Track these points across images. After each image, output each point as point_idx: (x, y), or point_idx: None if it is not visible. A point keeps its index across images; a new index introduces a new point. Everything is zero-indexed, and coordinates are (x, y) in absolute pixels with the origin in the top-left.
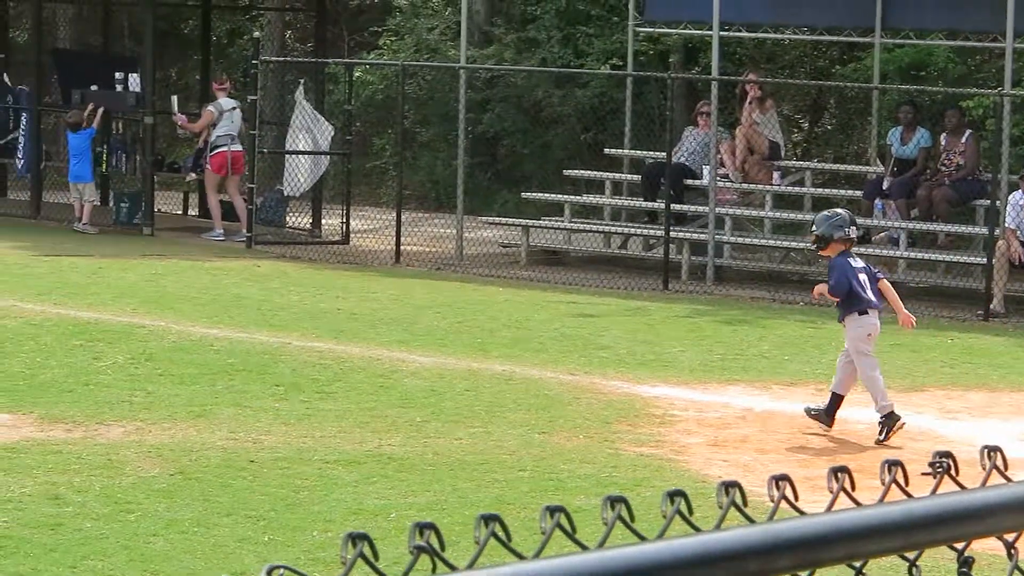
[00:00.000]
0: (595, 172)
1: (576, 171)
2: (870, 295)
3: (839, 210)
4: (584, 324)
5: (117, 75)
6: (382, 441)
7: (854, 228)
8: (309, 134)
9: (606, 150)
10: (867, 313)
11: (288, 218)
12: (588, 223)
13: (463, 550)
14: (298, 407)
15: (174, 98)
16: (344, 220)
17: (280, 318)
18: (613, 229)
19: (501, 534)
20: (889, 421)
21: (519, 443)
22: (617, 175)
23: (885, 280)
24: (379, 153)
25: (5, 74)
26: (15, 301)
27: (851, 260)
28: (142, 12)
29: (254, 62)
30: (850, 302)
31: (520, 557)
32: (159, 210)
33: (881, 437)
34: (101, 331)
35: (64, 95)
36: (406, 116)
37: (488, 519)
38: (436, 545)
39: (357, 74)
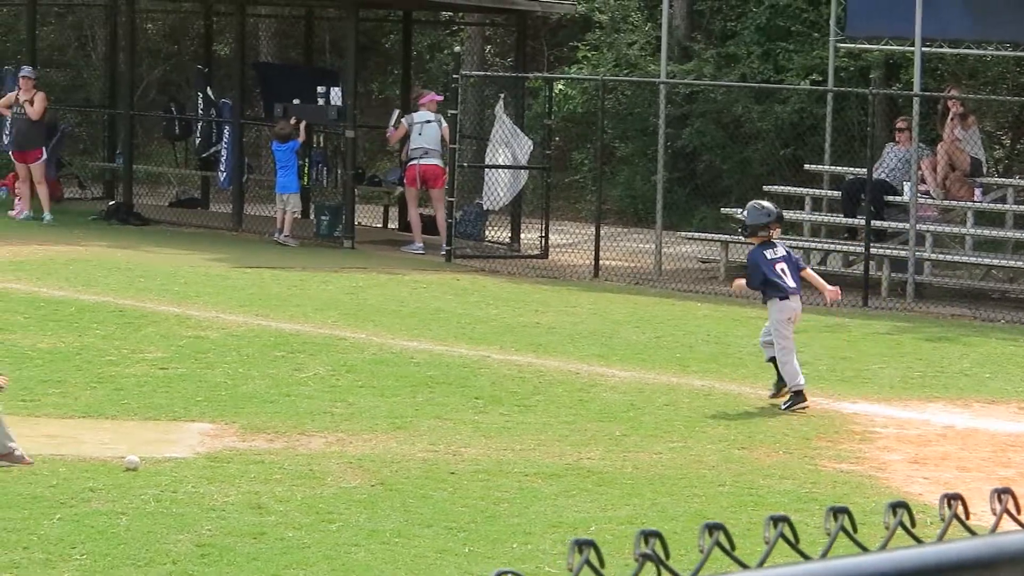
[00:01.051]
0: (795, 188)
1: (775, 186)
2: (788, 281)
3: (767, 204)
4: None
5: (319, 89)
6: (581, 454)
7: (777, 223)
8: (508, 148)
9: (806, 166)
10: (787, 298)
11: (487, 232)
12: (787, 239)
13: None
14: (497, 420)
15: (396, 112)
16: (543, 234)
17: (479, 331)
18: (812, 245)
19: (725, 543)
20: (798, 398)
21: (718, 458)
22: (817, 191)
23: (808, 268)
24: (578, 167)
25: (209, 87)
26: (218, 312)
27: (767, 251)
28: (344, 26)
29: (454, 76)
30: (770, 290)
31: (743, 566)
32: (359, 223)
33: (784, 406)
34: (302, 343)
35: (266, 108)
36: (605, 131)
37: (713, 528)
38: (661, 554)
39: (557, 88)
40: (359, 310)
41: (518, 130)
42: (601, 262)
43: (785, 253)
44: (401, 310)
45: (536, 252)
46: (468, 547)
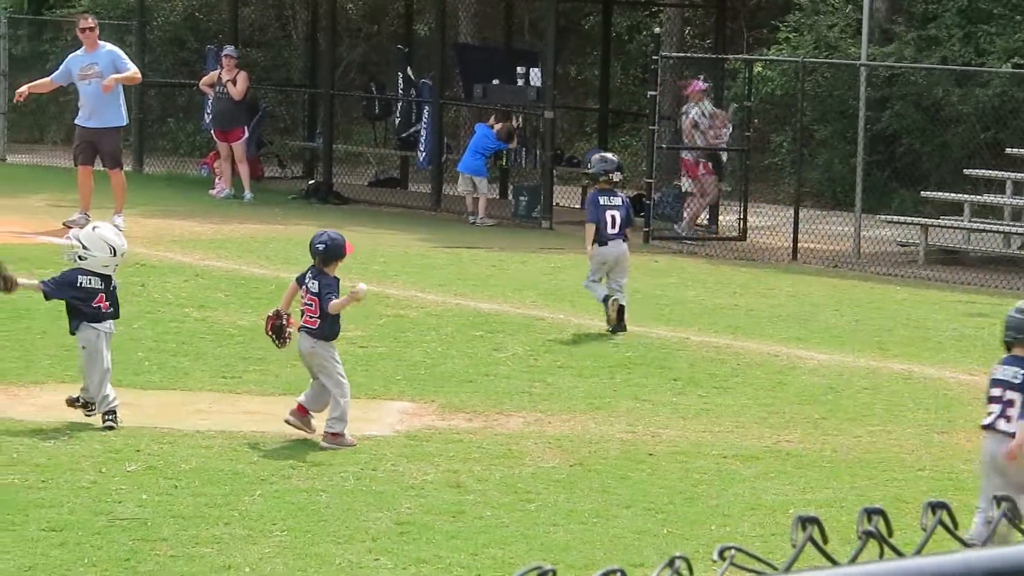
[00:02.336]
0: (996, 172)
1: (976, 170)
2: (610, 229)
3: (609, 155)
4: (983, 325)
5: (518, 69)
6: (780, 437)
7: (618, 174)
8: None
9: (1007, 149)
10: (606, 244)
11: (685, 214)
12: (988, 223)
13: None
14: (695, 401)
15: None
16: (741, 216)
17: (677, 313)
18: (1014, 230)
19: (817, 538)
20: (619, 323)
21: (918, 442)
22: (1018, 175)
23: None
24: (776, 150)
25: (409, 67)
26: (416, 292)
27: (603, 197)
28: (544, 7)
29: (653, 58)
30: (596, 234)
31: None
32: (557, 204)
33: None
34: (501, 322)
35: (466, 89)
36: (805, 113)
37: (807, 521)
38: (884, 531)
39: (756, 70)
40: (557, 290)
41: (718, 111)
42: (799, 244)
43: (621, 202)
44: None
45: (734, 234)
46: (666, 528)
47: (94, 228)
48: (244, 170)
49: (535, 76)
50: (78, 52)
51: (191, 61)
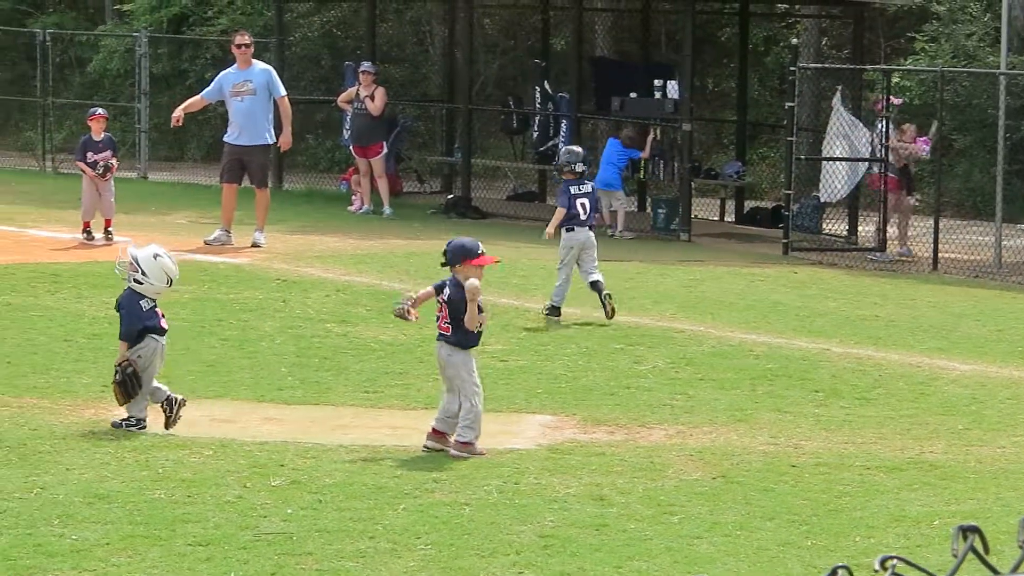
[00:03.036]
0: None
1: None
2: (581, 215)
3: (577, 148)
4: None
5: (655, 82)
6: (923, 448)
7: (581, 164)
8: (846, 140)
9: None
10: (573, 230)
11: (824, 224)
12: None
13: (1007, 558)
14: (838, 413)
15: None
16: (880, 227)
17: (818, 324)
18: None
19: (979, 547)
20: (554, 313)
21: None
22: None
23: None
24: (916, 161)
25: (546, 82)
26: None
27: (574, 187)
28: (680, 19)
29: (791, 69)
30: (565, 221)
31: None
32: (695, 216)
33: (544, 311)
34: (641, 335)
35: (601, 102)
36: (943, 123)
37: (968, 530)
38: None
39: (894, 80)
40: (697, 303)
41: (856, 121)
42: (940, 255)
43: (591, 191)
44: (739, 303)
45: (873, 245)
46: (810, 540)
47: (155, 256)
48: (383, 185)
49: (672, 88)
50: (230, 69)
51: (328, 78)
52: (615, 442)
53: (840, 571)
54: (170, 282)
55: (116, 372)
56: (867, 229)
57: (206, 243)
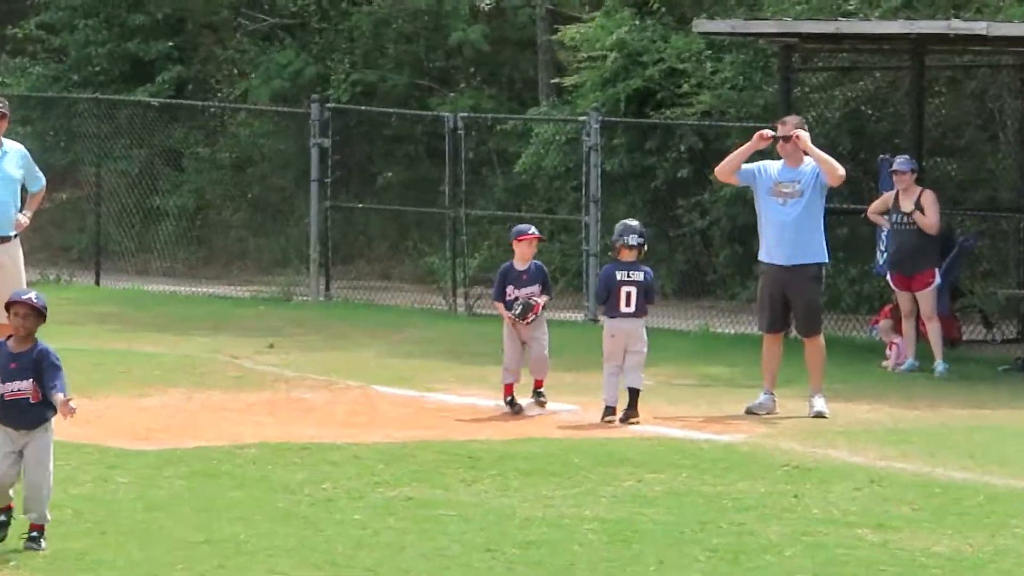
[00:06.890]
0: None
1: None
2: (621, 306)
3: (632, 222)
4: None
5: None
6: None
7: (634, 236)
8: None
9: None
10: (614, 319)
11: None
12: None
13: None
14: None
15: None
16: None
17: None
18: None
19: None
20: (607, 413)
21: None
22: None
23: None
24: None
25: None
26: None
27: (619, 272)
28: None
29: None
30: (606, 307)
31: None
32: None
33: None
34: None
35: None
36: None
37: None
38: None
39: None
40: None
41: None
42: None
43: (643, 279)
44: None
45: None
46: None
47: None
48: (934, 330)
49: None
50: (770, 163)
51: (852, 178)
52: None
53: None
54: None
55: None
56: None
57: (748, 411)
